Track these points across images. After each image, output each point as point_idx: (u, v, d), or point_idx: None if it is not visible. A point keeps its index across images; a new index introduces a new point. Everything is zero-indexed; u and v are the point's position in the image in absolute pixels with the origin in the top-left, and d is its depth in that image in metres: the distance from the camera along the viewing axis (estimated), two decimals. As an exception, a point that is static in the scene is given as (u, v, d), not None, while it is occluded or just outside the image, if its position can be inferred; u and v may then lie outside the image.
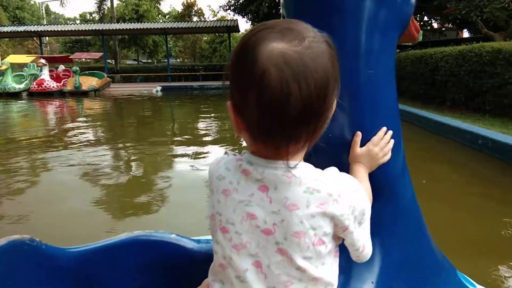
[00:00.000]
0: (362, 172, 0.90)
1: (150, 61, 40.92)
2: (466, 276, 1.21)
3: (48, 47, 42.32)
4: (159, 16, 37.88)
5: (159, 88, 20.53)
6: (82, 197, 3.81)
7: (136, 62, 39.06)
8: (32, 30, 22.88)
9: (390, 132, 0.95)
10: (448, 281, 1.12)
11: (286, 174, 0.66)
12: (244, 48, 0.61)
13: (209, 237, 0.88)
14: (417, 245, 1.06)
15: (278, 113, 0.59)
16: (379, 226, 0.92)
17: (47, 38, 42.29)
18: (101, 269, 0.98)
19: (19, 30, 22.58)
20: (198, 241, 1.06)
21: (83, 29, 23.82)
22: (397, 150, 0.96)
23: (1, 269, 0.81)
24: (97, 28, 23.37)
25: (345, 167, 0.86)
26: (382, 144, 0.93)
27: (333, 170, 0.74)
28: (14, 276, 0.83)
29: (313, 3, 0.92)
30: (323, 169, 0.72)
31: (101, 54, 25.05)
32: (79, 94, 18.55)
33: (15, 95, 18.26)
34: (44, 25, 25.65)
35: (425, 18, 15.34)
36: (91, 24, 28.06)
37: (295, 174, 0.66)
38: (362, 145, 0.92)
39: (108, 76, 22.14)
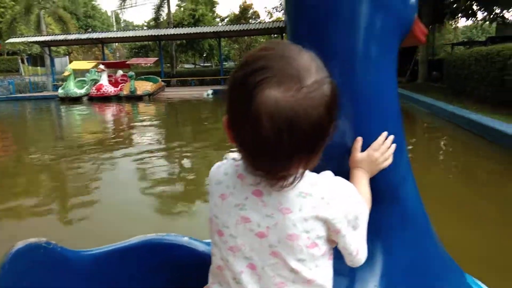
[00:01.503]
0: (361, 177, 0.89)
1: (208, 64, 41.70)
2: (475, 279, 1.18)
3: (117, 53, 44.82)
4: (216, 20, 38.42)
5: (210, 91, 20.60)
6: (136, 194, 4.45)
7: (193, 66, 40.04)
8: (94, 37, 24.12)
9: (391, 137, 0.95)
10: (455, 285, 1.11)
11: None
12: (243, 82, 0.62)
13: None
14: (422, 249, 1.05)
15: (271, 153, 0.62)
16: (382, 230, 0.95)
17: (115, 44, 44.83)
18: (114, 271, 1.00)
19: (83, 38, 23.92)
20: (210, 244, 1.02)
21: (140, 35, 24.63)
22: (399, 155, 0.96)
23: (19, 271, 0.85)
24: (153, 34, 24.11)
25: (345, 172, 0.88)
26: (383, 149, 0.93)
27: (327, 174, 0.74)
28: (31, 278, 0.87)
29: (309, 10, 0.92)
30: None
31: (156, 59, 25.83)
32: (134, 98, 19.12)
33: (76, 100, 19.30)
34: (104, 32, 26.97)
35: (497, 11, 13.67)
36: (147, 30, 29.04)
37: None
38: (363, 150, 0.92)
39: (164, 80, 22.73)
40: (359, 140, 0.92)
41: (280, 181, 0.66)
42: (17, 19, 27.53)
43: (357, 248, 0.74)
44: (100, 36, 24.12)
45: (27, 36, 24.84)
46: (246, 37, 32.08)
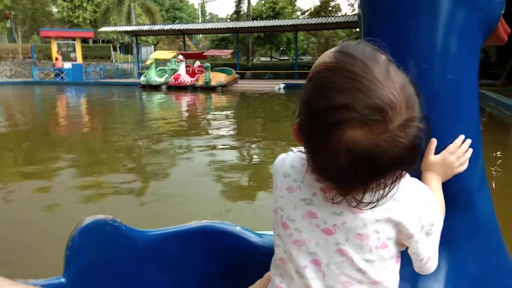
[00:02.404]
0: (434, 181, 0.86)
1: (285, 58, 41.48)
2: None
3: (201, 45, 46.56)
4: (296, 13, 37.92)
5: (282, 85, 20.34)
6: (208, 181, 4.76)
7: (269, 59, 40.09)
8: (176, 28, 25.12)
9: (469, 141, 0.90)
10: None
11: None
12: (323, 116, 0.58)
13: (271, 232, 0.91)
14: (492, 261, 1.00)
15: (343, 182, 0.61)
16: (453, 238, 0.92)
17: (199, 36, 46.56)
18: (171, 252, 1.03)
19: (166, 29, 25.06)
20: (261, 235, 1.07)
21: (219, 27, 25.19)
22: (475, 160, 0.92)
23: (86, 244, 0.90)
24: (231, 26, 24.47)
25: (416, 175, 0.80)
26: (459, 153, 0.88)
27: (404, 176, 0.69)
28: (96, 251, 0.93)
29: (387, 5, 0.89)
30: None
31: (232, 51, 26.21)
32: (208, 89, 19.57)
33: (156, 88, 20.29)
34: (185, 23, 27.99)
35: None
36: (225, 22, 29.59)
37: None
38: (436, 153, 0.88)
39: (239, 73, 22.97)
40: (434, 142, 0.87)
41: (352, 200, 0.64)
42: (110, 9, 29.75)
43: (428, 255, 0.71)
44: (182, 27, 25.07)
45: (117, 26, 26.73)
46: (325, 31, 31.19)
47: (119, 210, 3.90)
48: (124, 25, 26.74)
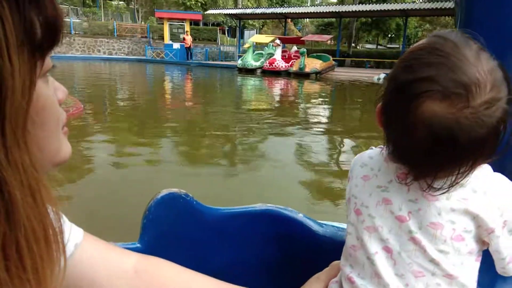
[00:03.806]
0: None
1: (395, 46, 38.65)
2: None
3: (306, 29, 45.97)
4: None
5: (382, 75, 18.85)
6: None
7: (375, 47, 37.74)
8: (278, 12, 24.99)
9: None
10: None
11: None
12: (405, 89, 0.59)
13: (333, 223, 1.01)
14: None
15: (420, 161, 0.62)
16: None
17: (306, 21, 45.90)
18: (234, 230, 1.08)
19: (267, 12, 25.13)
20: (322, 225, 1.08)
21: (321, 11, 24.30)
22: None
23: (161, 214, 0.98)
24: (334, 10, 23.38)
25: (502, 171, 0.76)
26: None
27: (485, 168, 0.67)
28: (170, 221, 1.00)
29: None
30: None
31: (331, 36, 25.15)
32: (301, 75, 19.15)
33: (251, 72, 20.55)
34: (286, 7, 27.63)
35: None
36: (328, 6, 28.44)
37: None
38: None
39: (338, 60, 22.02)
40: None
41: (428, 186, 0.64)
42: (219, -8, 30.85)
43: (511, 254, 0.66)
44: (283, 11, 24.86)
45: (221, 9, 27.63)
46: (441, 18, 27.99)
47: (206, 184, 4.28)
48: (228, 8, 27.50)
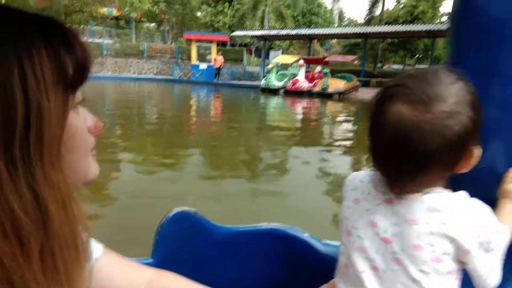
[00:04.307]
0: (508, 207, 0.83)
1: (422, 66, 38.02)
2: None
3: (333, 50, 46.06)
4: (439, 17, 34.32)
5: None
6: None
7: (402, 67, 37.26)
8: (302, 33, 25.19)
9: None
10: None
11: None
12: (382, 95, 0.70)
13: (336, 242, 1.03)
14: None
15: (387, 163, 0.69)
16: None
17: (333, 41, 46.03)
18: (241, 248, 1.12)
19: (292, 34, 25.35)
20: (327, 245, 1.11)
21: (347, 32, 24.34)
22: None
23: (173, 231, 1.03)
24: (358, 32, 23.35)
25: (491, 200, 0.82)
26: None
27: (461, 194, 0.72)
28: (180, 238, 1.05)
29: (475, 34, 0.87)
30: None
31: (354, 57, 25.03)
32: (324, 95, 19.06)
33: (274, 92, 20.63)
34: (311, 28, 27.81)
35: None
36: (353, 27, 28.43)
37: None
38: None
39: (362, 80, 21.84)
40: None
41: (404, 192, 0.70)
42: (246, 14, 31.49)
43: (487, 272, 0.70)
44: (308, 32, 25.05)
45: (247, 30, 28.16)
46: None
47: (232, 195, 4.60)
48: (253, 29, 28.00)
